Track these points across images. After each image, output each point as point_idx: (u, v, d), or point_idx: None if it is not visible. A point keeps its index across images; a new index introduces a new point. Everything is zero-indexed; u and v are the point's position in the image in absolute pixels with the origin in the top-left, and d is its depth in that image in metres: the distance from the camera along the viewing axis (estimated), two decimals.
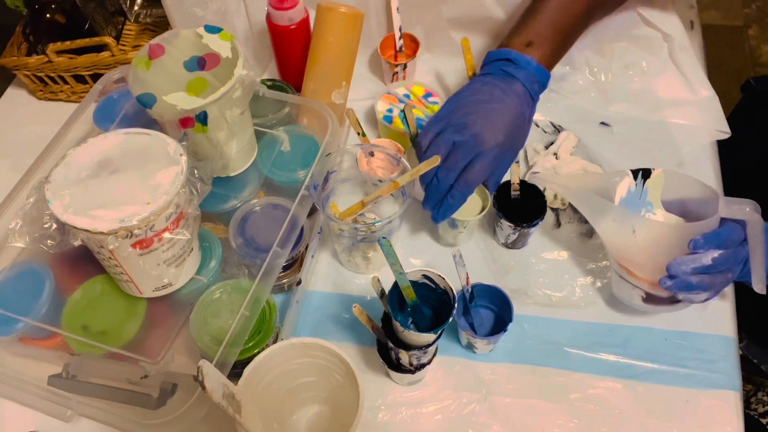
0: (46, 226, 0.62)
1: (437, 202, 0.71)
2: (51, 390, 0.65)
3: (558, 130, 0.91)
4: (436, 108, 0.88)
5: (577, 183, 0.70)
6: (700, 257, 0.61)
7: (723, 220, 0.62)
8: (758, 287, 0.65)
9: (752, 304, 0.65)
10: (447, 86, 0.93)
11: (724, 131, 0.90)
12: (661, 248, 0.63)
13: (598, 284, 0.76)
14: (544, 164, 0.85)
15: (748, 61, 1.60)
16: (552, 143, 0.88)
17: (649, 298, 0.69)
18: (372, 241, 0.72)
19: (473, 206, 0.77)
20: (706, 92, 0.92)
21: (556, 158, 0.85)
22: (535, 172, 0.72)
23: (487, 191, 0.75)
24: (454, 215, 0.73)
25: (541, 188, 0.77)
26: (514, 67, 0.72)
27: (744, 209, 0.61)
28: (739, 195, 1.05)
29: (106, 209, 0.57)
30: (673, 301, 0.68)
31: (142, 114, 0.71)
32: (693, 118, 0.91)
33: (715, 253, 0.61)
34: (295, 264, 0.75)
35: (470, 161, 0.69)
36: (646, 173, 0.69)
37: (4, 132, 0.99)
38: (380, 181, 0.77)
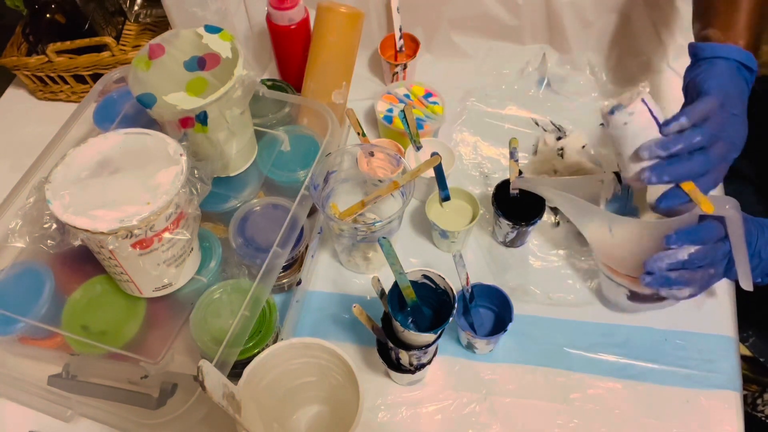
0: (46, 226, 0.62)
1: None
2: (51, 390, 0.65)
3: (558, 129, 0.91)
4: (437, 108, 0.88)
5: (563, 186, 0.70)
6: (676, 253, 0.61)
7: (702, 217, 0.61)
8: (745, 284, 0.63)
9: (757, 301, 0.64)
10: (447, 87, 0.93)
11: None
12: (639, 246, 0.63)
13: (596, 283, 0.76)
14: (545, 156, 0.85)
15: None
16: (561, 138, 0.88)
17: (634, 296, 0.69)
18: (372, 241, 0.72)
19: (463, 217, 0.78)
20: None
21: (562, 157, 0.85)
22: (521, 176, 0.72)
23: (476, 200, 0.77)
24: (445, 227, 0.74)
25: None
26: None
27: (723, 207, 0.60)
28: (739, 195, 1.04)
29: (106, 209, 0.57)
30: (657, 298, 0.67)
31: (142, 114, 0.71)
32: None
33: (692, 249, 0.61)
34: (295, 264, 0.75)
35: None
36: None
37: (4, 132, 0.99)
38: (380, 181, 0.77)
